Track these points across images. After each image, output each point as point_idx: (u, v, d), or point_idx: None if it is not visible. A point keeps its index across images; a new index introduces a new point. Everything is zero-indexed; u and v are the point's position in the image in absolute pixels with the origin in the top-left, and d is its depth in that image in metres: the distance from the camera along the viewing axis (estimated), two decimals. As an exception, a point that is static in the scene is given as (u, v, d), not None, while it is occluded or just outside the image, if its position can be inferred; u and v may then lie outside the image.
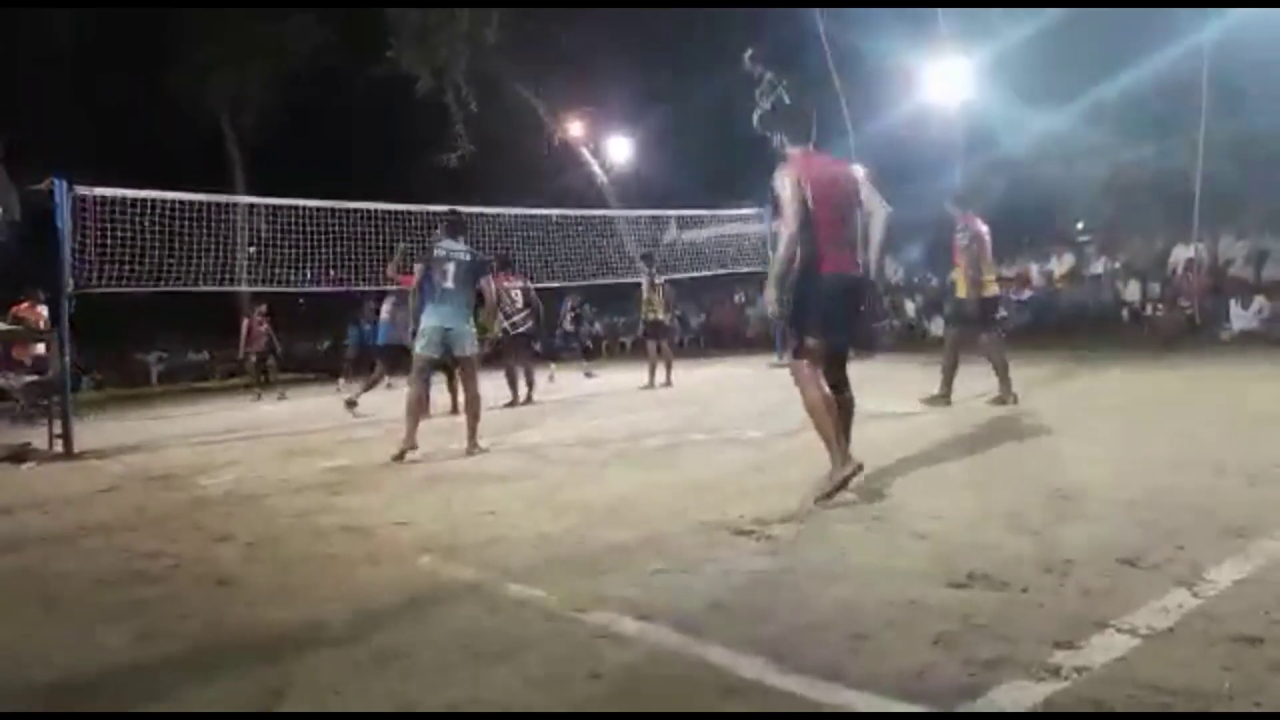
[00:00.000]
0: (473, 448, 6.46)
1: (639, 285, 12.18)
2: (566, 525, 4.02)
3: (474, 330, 6.65)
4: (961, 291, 7.74)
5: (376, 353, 11.19)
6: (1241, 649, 2.19)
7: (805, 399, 4.10)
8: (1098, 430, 5.86)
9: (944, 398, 7.57)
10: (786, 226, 4.01)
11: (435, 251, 6.63)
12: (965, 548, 3.20)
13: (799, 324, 4.10)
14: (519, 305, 10.35)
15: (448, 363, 7.07)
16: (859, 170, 4.54)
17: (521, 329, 10.37)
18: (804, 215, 3.98)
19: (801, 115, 4.29)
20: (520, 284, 10.60)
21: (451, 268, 6.50)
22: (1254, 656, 2.15)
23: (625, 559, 3.36)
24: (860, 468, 4.04)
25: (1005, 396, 7.32)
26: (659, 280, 11.81)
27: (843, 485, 4.00)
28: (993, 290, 7.79)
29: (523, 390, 10.32)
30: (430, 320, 6.47)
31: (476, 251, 6.97)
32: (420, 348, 6.52)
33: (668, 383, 11.39)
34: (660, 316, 11.70)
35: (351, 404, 10.16)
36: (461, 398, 7.10)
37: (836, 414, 4.08)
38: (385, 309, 10.99)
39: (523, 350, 10.54)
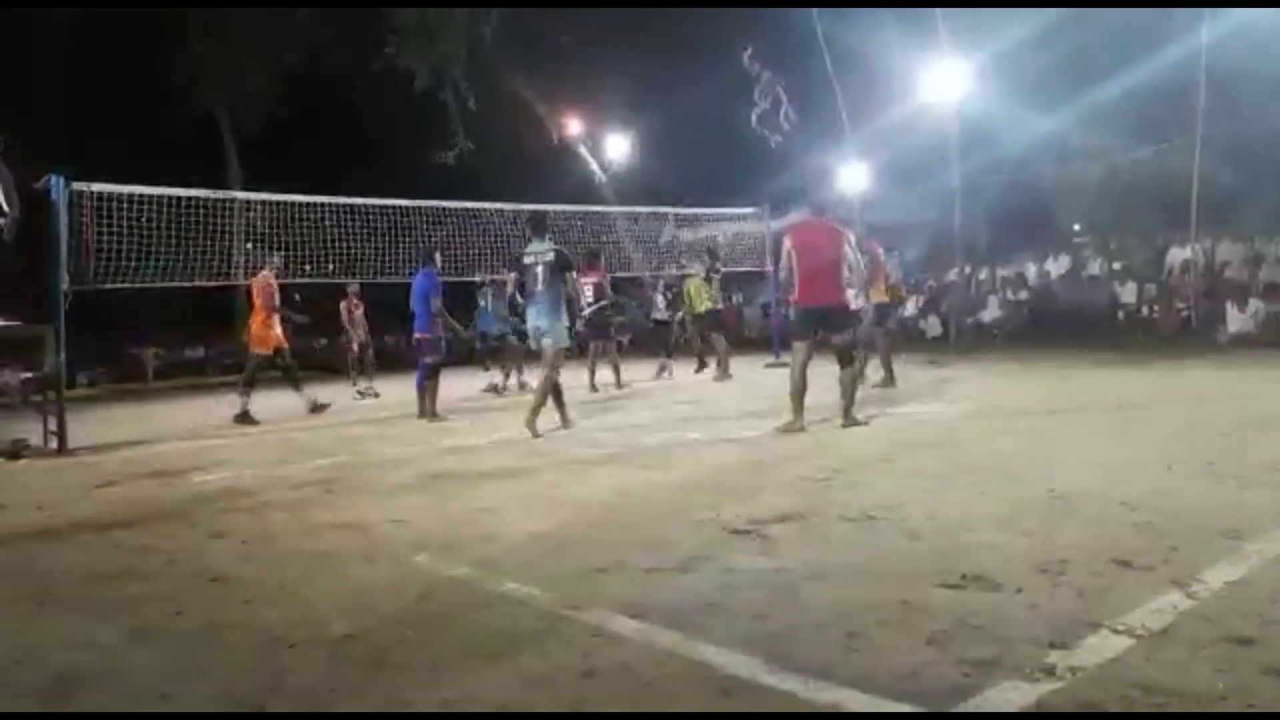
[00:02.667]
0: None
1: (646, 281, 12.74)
2: (561, 524, 4.02)
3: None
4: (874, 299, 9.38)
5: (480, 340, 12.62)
6: (1234, 650, 2.20)
7: (791, 369, 6.70)
8: (1093, 432, 5.87)
9: (889, 381, 9.16)
10: (782, 271, 6.79)
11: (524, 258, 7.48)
12: (960, 548, 3.20)
13: (791, 328, 7.13)
14: (589, 298, 10.88)
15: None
16: (846, 232, 6.84)
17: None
18: (789, 266, 6.62)
19: (817, 204, 7.19)
20: (595, 279, 11.14)
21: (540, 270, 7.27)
22: (1247, 658, 2.15)
23: (620, 558, 3.36)
24: (802, 429, 6.35)
25: (888, 382, 9.11)
26: (716, 274, 12.42)
27: (787, 429, 6.34)
28: (884, 298, 9.46)
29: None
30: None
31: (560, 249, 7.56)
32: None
33: (727, 374, 11.70)
34: (720, 305, 12.59)
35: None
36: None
37: (804, 386, 6.49)
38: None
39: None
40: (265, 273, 10.04)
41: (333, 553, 3.77)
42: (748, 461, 5.38)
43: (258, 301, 9.97)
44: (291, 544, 3.98)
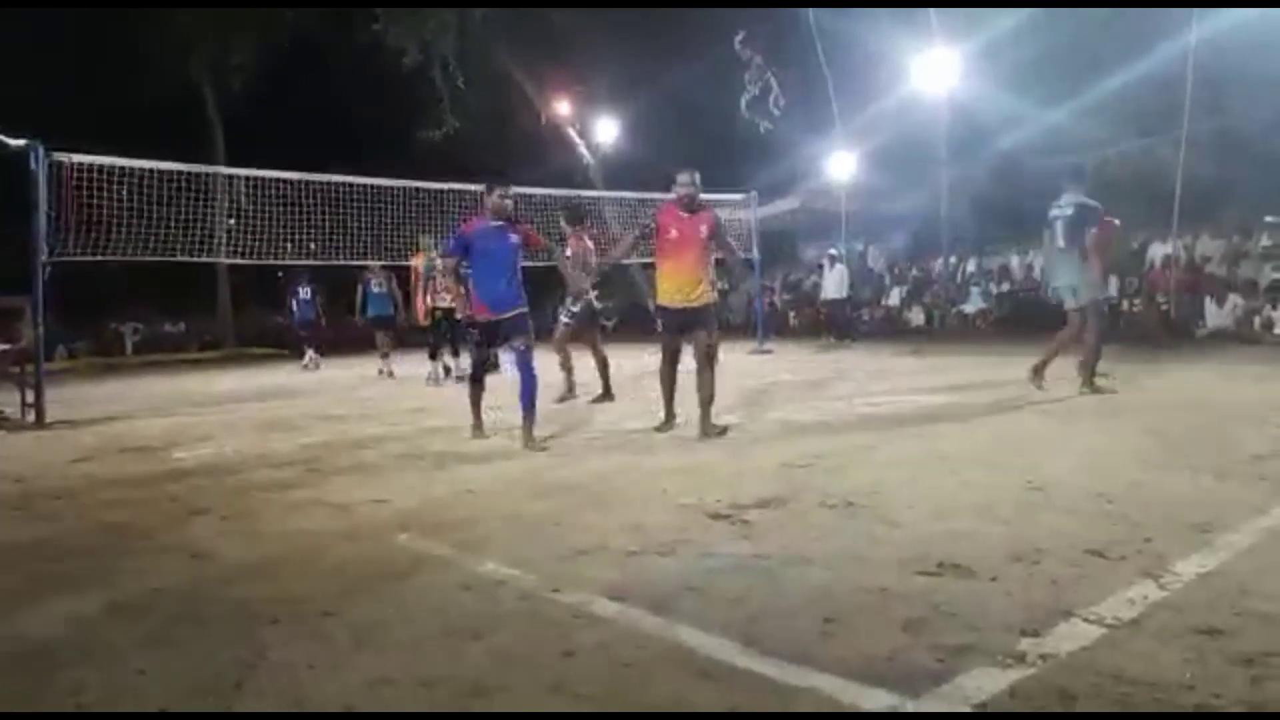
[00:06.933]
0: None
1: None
2: (544, 506, 4.03)
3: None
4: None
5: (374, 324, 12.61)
6: (1204, 641, 2.24)
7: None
8: (1070, 423, 5.92)
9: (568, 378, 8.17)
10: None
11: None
12: (937, 536, 3.24)
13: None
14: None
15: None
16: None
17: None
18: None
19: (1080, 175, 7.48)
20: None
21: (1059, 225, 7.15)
22: (1215, 648, 2.20)
23: (601, 540, 3.38)
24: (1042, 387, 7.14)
25: (569, 391, 7.99)
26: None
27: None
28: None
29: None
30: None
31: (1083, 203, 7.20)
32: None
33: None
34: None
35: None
36: None
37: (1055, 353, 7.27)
38: (375, 283, 12.33)
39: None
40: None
41: (315, 531, 3.77)
42: (730, 448, 5.40)
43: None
44: (273, 522, 3.97)
